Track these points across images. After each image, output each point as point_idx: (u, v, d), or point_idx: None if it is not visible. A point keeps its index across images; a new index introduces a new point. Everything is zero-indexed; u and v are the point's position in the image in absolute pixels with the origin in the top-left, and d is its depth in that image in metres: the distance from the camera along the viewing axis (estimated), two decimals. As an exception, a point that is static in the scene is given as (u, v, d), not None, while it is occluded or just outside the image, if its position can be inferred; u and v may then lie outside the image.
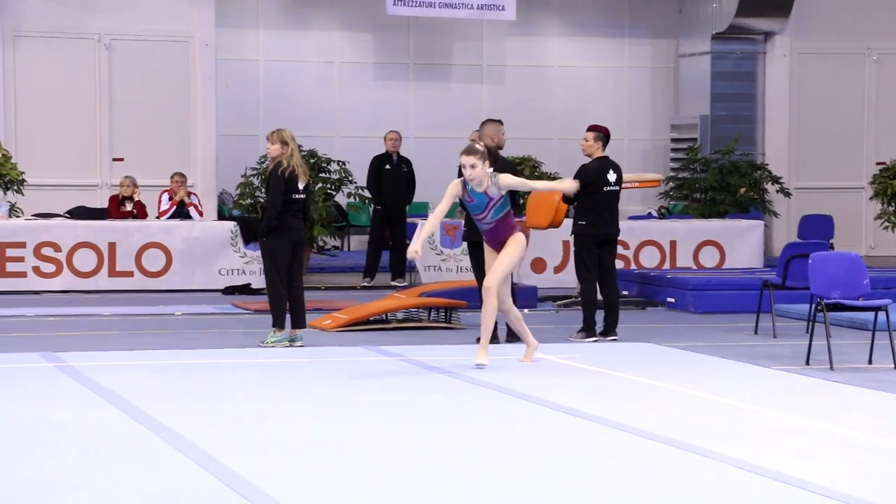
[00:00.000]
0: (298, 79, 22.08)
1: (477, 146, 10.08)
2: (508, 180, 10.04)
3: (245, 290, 16.04)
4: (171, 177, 17.43)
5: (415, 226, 17.69)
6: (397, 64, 22.56)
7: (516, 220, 10.38)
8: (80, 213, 17.03)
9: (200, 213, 17.37)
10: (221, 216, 19.21)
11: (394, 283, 16.94)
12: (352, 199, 20.12)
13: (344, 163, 18.15)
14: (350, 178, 18.09)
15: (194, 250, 16.29)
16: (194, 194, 17.70)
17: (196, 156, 19.58)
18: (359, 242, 21.50)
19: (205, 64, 19.64)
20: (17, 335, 12.15)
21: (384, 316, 12.88)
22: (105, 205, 17.64)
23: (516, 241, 10.05)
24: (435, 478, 6.52)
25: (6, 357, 10.47)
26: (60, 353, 10.52)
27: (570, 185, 11.15)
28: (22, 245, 15.82)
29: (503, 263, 9.97)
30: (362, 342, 11.66)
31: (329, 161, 18.13)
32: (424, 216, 18.62)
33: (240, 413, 8.18)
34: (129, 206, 17.13)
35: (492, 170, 10.05)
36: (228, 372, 9.88)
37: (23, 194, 17.26)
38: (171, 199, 17.25)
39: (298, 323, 11.54)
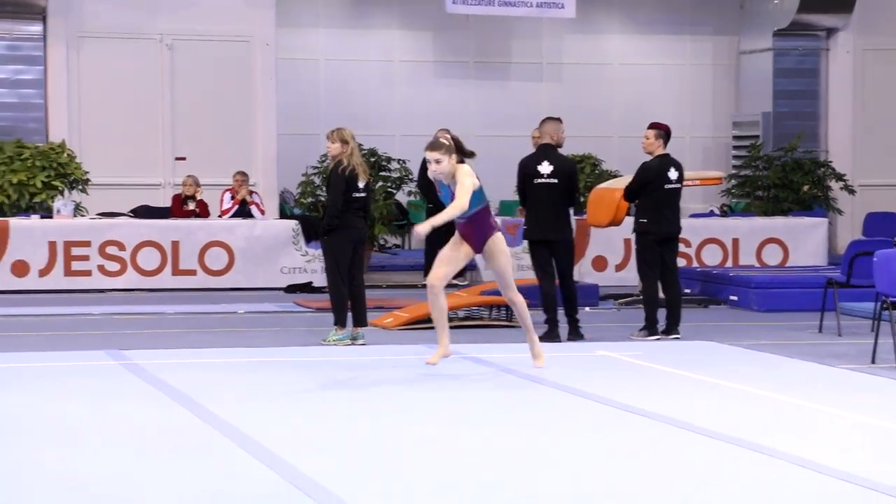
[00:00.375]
0: (358, 78, 22.15)
1: (441, 140, 9.35)
2: (457, 173, 9.28)
3: (307, 288, 16.12)
4: (233, 176, 17.55)
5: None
6: (457, 62, 22.58)
7: (577, 217, 10.32)
8: (143, 212, 17.18)
9: (262, 212, 17.47)
10: (283, 215, 19.31)
11: (454, 282, 16.95)
12: (412, 198, 20.16)
13: (404, 161, 18.20)
14: (410, 177, 18.14)
15: (256, 249, 16.39)
16: (256, 193, 17.80)
17: (257, 155, 19.69)
18: (420, 241, 21.52)
19: (265, 63, 19.75)
20: (83, 333, 12.28)
21: (445, 314, 12.87)
22: (168, 204, 17.79)
23: (501, 246, 9.57)
24: (496, 476, 6.52)
25: (73, 355, 10.57)
26: (126, 351, 10.61)
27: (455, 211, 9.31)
28: (87, 244, 15.98)
29: (507, 271, 9.63)
30: (423, 340, 11.67)
31: (389, 160, 18.18)
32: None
33: (302, 411, 8.22)
34: (191, 205, 17.25)
35: (458, 161, 9.34)
36: (291, 370, 9.93)
37: (87, 193, 17.44)
38: (233, 197, 17.36)
39: (360, 321, 11.58)
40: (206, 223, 16.66)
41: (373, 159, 17.74)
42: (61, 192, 17.00)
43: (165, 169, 19.62)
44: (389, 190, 18.12)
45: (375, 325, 12.57)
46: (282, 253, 16.45)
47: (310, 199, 17.90)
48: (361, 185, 11.47)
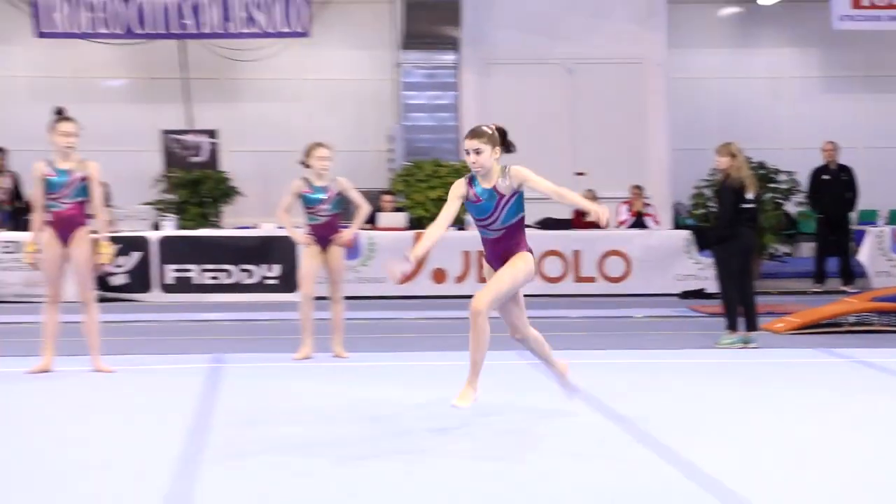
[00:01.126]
0: (747, 94, 21.80)
1: (484, 128, 7.41)
2: (523, 174, 7.47)
3: (700, 294, 15.99)
4: (630, 189, 17.63)
5: (861, 233, 17.10)
6: (845, 77, 21.86)
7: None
8: (547, 223, 17.51)
9: (657, 223, 17.47)
10: (677, 225, 19.23)
11: (844, 289, 16.44)
12: (801, 208, 19.69)
13: (792, 173, 17.78)
14: (798, 188, 17.73)
15: (651, 257, 16.41)
16: (651, 205, 17.82)
17: (651, 169, 19.70)
18: (809, 249, 20.98)
19: (657, 83, 19.73)
20: (493, 335, 12.56)
21: (835, 319, 12.52)
22: (569, 216, 18.03)
23: (523, 257, 7.51)
24: (892, 484, 6.26)
25: (489, 355, 10.84)
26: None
27: (601, 211, 7.75)
28: (497, 253, 16.39)
29: (504, 281, 7.39)
30: (814, 345, 11.37)
31: (777, 172, 17.80)
32: (872, 223, 17.96)
33: (699, 409, 8.16)
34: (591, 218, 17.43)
35: (503, 163, 7.55)
36: (685, 371, 9.89)
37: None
38: (629, 209, 17.44)
39: (751, 326, 11.42)
40: (605, 234, 16.80)
41: (761, 171, 17.41)
42: (474, 206, 17.52)
43: (567, 184, 19.85)
44: (778, 201, 17.74)
45: (767, 329, 12.35)
46: (675, 261, 16.39)
47: (701, 211, 17.76)
48: (750, 196, 11.31)
